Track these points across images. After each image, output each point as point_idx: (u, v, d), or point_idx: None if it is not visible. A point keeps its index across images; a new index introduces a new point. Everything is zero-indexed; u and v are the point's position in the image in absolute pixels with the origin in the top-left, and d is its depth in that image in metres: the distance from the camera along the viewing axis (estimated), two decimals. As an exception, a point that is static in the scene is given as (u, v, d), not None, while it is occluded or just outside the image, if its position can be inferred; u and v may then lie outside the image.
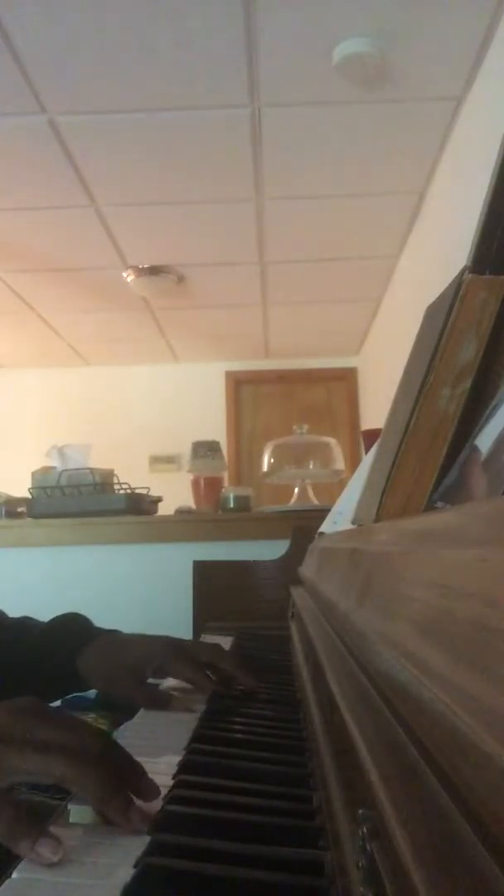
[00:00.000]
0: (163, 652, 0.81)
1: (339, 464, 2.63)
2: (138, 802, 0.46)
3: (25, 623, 0.92)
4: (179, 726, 0.68)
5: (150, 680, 0.82)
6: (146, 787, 0.47)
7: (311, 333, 4.72)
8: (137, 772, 0.48)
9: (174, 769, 0.55)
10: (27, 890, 0.38)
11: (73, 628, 0.88)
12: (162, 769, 0.53)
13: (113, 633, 0.87)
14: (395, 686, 0.34)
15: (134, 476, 2.44)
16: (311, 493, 2.54)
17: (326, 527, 1.36)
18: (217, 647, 0.87)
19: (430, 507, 0.61)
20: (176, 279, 3.72)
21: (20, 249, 3.36)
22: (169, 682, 0.86)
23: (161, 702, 0.77)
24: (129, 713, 0.77)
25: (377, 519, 0.68)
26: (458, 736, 0.22)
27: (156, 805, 0.47)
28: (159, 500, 2.45)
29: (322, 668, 0.57)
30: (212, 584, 1.80)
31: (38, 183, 2.78)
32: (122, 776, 0.47)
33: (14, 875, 0.39)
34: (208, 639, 1.22)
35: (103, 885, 0.38)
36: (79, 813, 0.46)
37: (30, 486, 2.38)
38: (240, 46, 2.06)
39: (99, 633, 0.87)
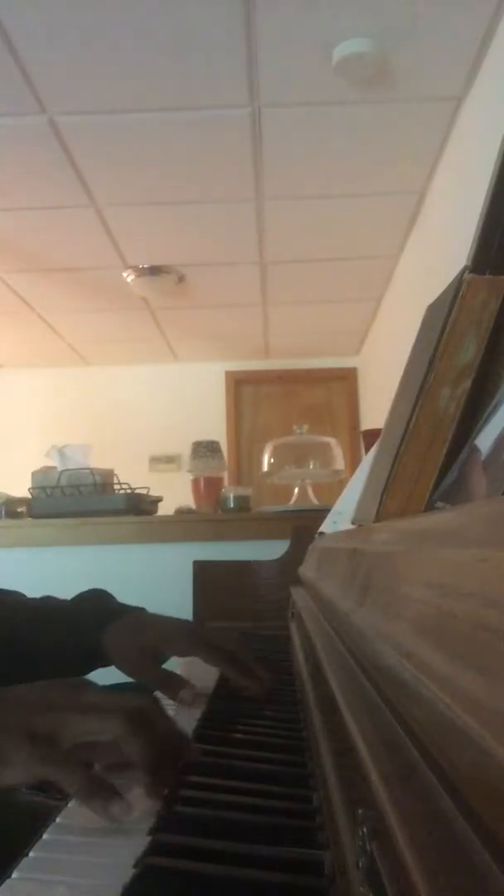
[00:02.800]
0: (187, 637, 0.80)
1: (339, 464, 2.63)
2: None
3: (48, 602, 0.93)
4: (179, 726, 0.67)
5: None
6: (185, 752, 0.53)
7: (311, 333, 4.72)
8: (182, 740, 0.54)
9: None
10: (27, 890, 0.38)
11: (99, 606, 0.88)
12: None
13: (138, 612, 0.87)
14: (395, 686, 0.34)
15: (134, 476, 2.45)
16: (311, 493, 2.55)
17: (326, 527, 1.36)
18: (237, 639, 0.87)
19: (430, 507, 0.61)
20: (176, 279, 3.72)
21: (20, 249, 3.36)
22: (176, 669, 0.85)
23: (175, 686, 0.76)
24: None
25: (377, 519, 0.68)
26: (458, 735, 0.22)
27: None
28: (159, 500, 2.46)
29: (322, 668, 0.57)
30: (212, 584, 1.80)
31: (38, 183, 2.78)
32: (166, 742, 0.51)
33: (14, 875, 0.39)
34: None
35: (103, 885, 0.38)
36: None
37: (30, 486, 2.38)
38: (240, 46, 2.06)
39: (124, 609, 0.87)
